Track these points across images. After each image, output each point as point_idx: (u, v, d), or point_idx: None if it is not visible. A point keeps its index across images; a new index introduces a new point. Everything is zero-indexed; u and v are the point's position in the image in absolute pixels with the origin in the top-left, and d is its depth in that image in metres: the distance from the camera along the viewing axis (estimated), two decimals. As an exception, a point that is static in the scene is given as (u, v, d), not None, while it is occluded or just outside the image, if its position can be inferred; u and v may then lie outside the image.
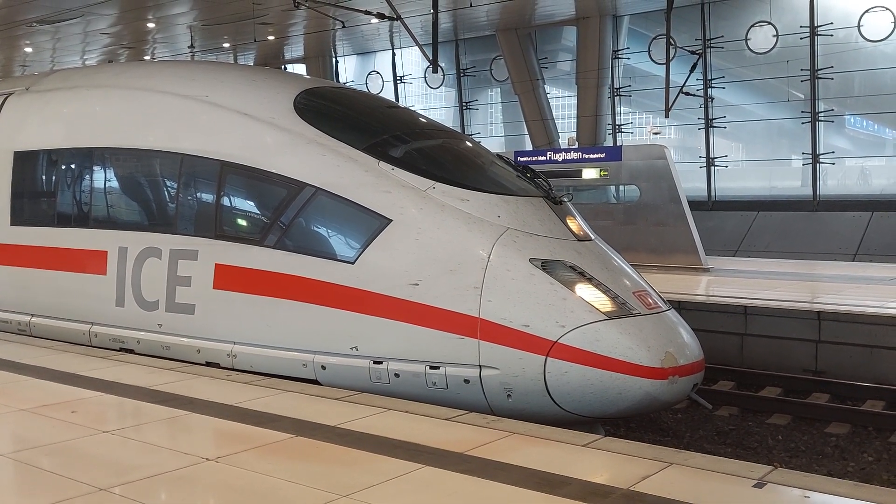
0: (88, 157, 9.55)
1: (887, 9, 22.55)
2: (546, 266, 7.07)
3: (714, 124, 25.89)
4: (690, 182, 24.73)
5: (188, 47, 29.08)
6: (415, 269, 7.17)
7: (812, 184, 24.17)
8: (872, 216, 22.48)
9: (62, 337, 9.38)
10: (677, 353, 6.90)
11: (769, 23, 24.50)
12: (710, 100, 25.66)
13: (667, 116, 21.19)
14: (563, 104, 30.47)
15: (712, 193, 26.02)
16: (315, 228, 7.89)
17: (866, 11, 22.86)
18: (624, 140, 27.71)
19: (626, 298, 7.14)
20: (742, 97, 26.74)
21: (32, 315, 9.83)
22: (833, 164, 24.37)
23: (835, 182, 25.08)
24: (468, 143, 9.14)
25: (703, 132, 26.00)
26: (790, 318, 11.95)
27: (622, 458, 5.20)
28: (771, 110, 26.34)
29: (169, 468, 5.00)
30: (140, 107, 9.27)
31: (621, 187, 19.87)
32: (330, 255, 7.57)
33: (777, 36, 24.37)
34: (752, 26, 24.76)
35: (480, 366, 6.91)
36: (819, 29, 23.64)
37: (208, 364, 8.13)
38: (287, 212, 7.84)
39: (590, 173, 19.83)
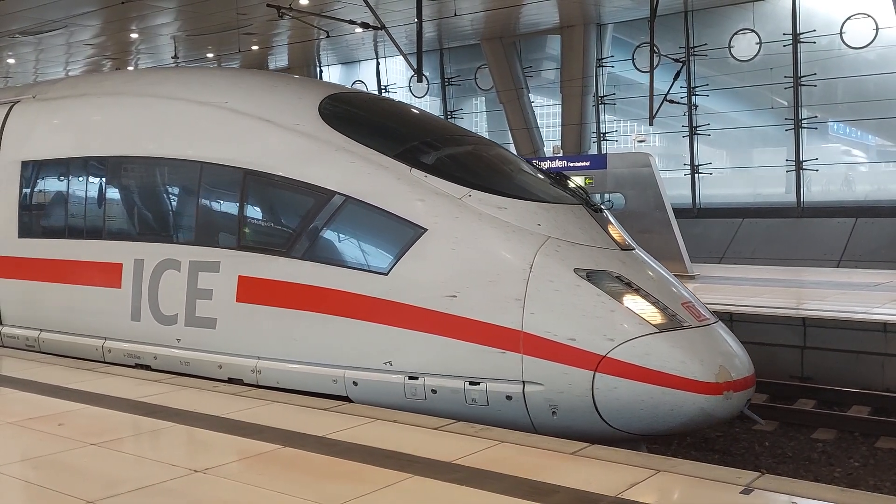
0: (101, 167, 9.24)
1: (869, 16, 22.72)
2: (591, 277, 6.74)
3: (698, 132, 26.02)
4: (675, 189, 24.83)
5: (172, 58, 29.03)
6: (452, 281, 6.87)
7: (796, 190, 24.31)
8: (856, 222, 22.60)
9: (73, 353, 9.04)
10: (731, 366, 6.55)
11: (752, 30, 24.67)
12: (694, 107, 25.80)
13: (651, 124, 21.30)
14: (547, 113, 30.59)
15: (697, 201, 26.13)
16: (345, 239, 7.58)
17: (848, 18, 23.06)
18: (608, 148, 27.81)
19: (676, 310, 6.80)
20: (726, 104, 26.89)
21: (41, 330, 9.50)
22: (817, 170, 24.51)
23: (819, 189, 25.23)
24: (499, 150, 8.79)
25: (687, 140, 26.13)
26: (776, 325, 11.99)
27: (610, 466, 5.20)
28: (755, 117, 26.49)
29: (157, 480, 4.98)
30: (155, 114, 8.98)
31: (606, 195, 19.92)
32: (362, 267, 7.26)
33: (760, 43, 24.53)
34: (736, 34, 24.93)
35: (524, 381, 6.57)
36: (802, 36, 23.80)
37: (230, 380, 7.82)
38: (315, 222, 7.54)
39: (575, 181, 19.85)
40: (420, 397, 6.94)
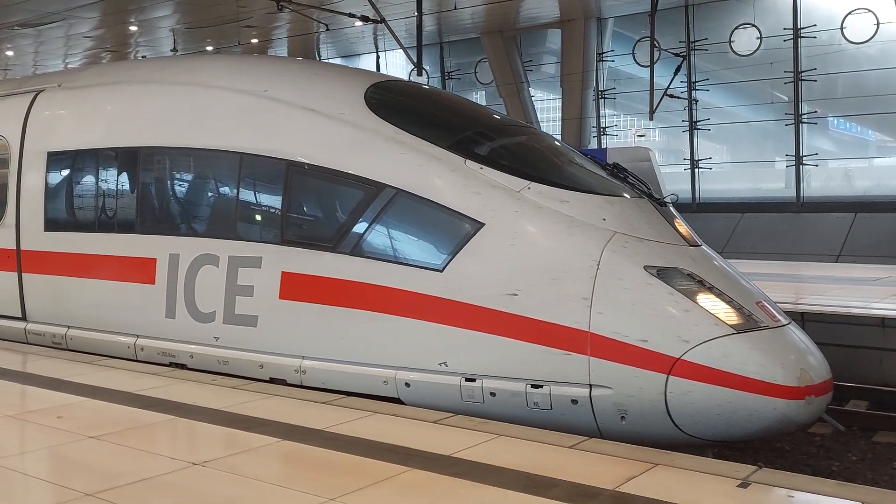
0: (134, 158, 8.85)
1: (870, 11, 22.70)
2: (662, 274, 6.37)
3: (698, 126, 26.00)
4: (675, 184, 24.81)
5: (171, 50, 28.99)
6: (512, 278, 6.51)
7: (796, 185, 24.30)
8: (856, 217, 22.61)
9: (103, 350, 8.75)
10: (811, 370, 6.21)
11: (753, 25, 24.65)
12: (694, 102, 25.79)
13: (651, 119, 21.32)
14: (547, 107, 30.56)
15: (697, 195, 26.12)
16: (397, 233, 7.20)
17: (849, 13, 23.04)
18: (608, 142, 27.81)
19: (751, 309, 6.44)
20: (726, 99, 26.86)
21: (69, 327, 9.17)
22: (817, 165, 24.51)
23: (818, 184, 25.23)
24: (551, 141, 8.41)
25: (687, 134, 26.11)
26: (775, 319, 11.97)
27: (608, 459, 5.21)
28: (755, 112, 26.48)
29: (156, 473, 4.99)
30: (191, 103, 8.64)
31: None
32: (414, 263, 6.90)
33: (761, 38, 24.51)
34: (736, 28, 24.91)
35: (591, 385, 6.22)
36: (802, 31, 23.78)
37: (272, 380, 7.54)
38: (364, 215, 7.20)
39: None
40: (477, 400, 6.62)
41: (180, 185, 8.78)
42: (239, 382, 7.39)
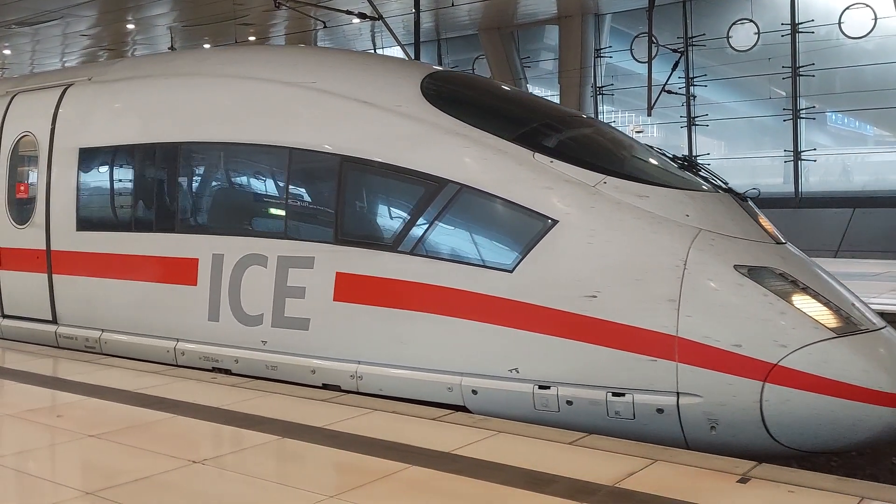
0: (173, 154, 8.47)
1: (868, 6, 22.69)
2: (753, 274, 5.96)
3: (696, 122, 26.00)
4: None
5: (168, 48, 28.96)
6: (590, 279, 6.12)
7: (794, 181, 24.30)
8: (854, 212, 22.61)
9: (140, 355, 8.42)
10: None
11: (750, 20, 24.65)
12: (692, 98, 25.78)
13: (649, 115, 21.33)
14: (545, 103, 30.50)
15: (695, 191, 26.07)
16: (461, 232, 6.83)
17: (847, 8, 23.04)
18: (607, 138, 27.75)
19: (849, 311, 6.04)
20: (724, 95, 26.87)
21: (103, 330, 8.84)
22: (815, 160, 24.51)
23: (817, 179, 25.23)
24: (619, 133, 7.97)
25: (685, 130, 26.11)
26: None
27: (608, 455, 5.21)
28: (753, 108, 26.47)
29: (155, 471, 4.98)
30: (234, 96, 8.28)
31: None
32: (481, 263, 6.53)
33: (758, 33, 24.51)
34: (734, 24, 24.91)
35: (678, 392, 5.83)
36: (800, 26, 23.78)
37: (325, 386, 7.20)
38: (426, 213, 6.82)
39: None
40: (552, 409, 6.25)
41: (224, 183, 8.45)
42: (239, 381, 7.39)
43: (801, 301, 5.91)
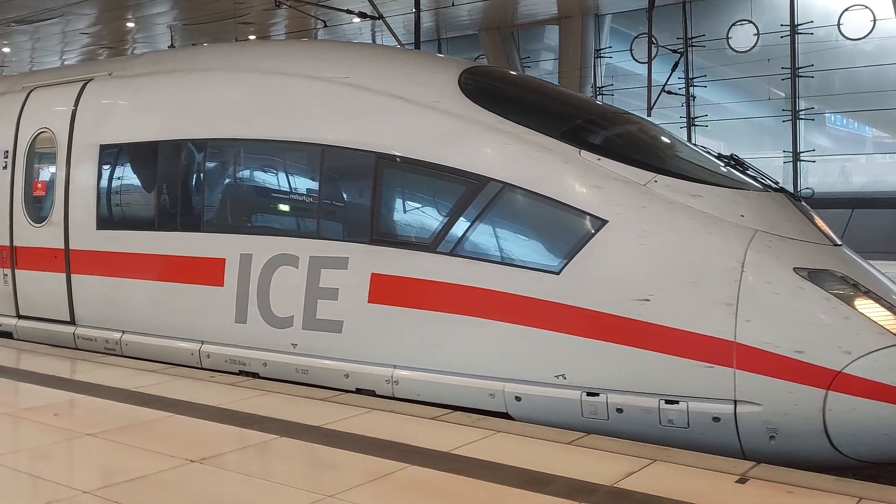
0: (199, 151, 8.26)
1: (867, 7, 22.71)
2: (813, 277, 5.70)
3: (696, 123, 26.01)
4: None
5: (168, 47, 28.97)
6: (642, 282, 5.87)
7: (793, 181, 24.31)
8: (853, 213, 22.61)
9: (163, 357, 8.22)
10: None
11: (750, 21, 24.66)
12: (691, 98, 25.79)
13: (649, 115, 21.27)
14: (545, 103, 30.51)
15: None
16: (504, 232, 6.58)
17: (846, 10, 23.07)
18: (606, 139, 27.76)
19: None
20: (723, 96, 26.89)
21: (123, 332, 8.63)
22: (814, 161, 24.52)
23: (815, 180, 25.25)
24: (665, 130, 7.75)
25: (685, 131, 26.11)
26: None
27: (607, 455, 5.21)
28: (752, 108, 26.50)
29: (153, 470, 4.97)
30: (262, 92, 8.02)
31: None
32: (526, 264, 6.29)
33: (758, 34, 24.53)
34: (733, 25, 24.93)
35: (736, 400, 5.58)
36: (799, 27, 23.80)
37: (359, 391, 6.97)
38: (467, 212, 6.57)
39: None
40: (601, 416, 6.01)
41: (252, 181, 8.15)
42: (237, 379, 7.37)
43: (865, 305, 5.65)
